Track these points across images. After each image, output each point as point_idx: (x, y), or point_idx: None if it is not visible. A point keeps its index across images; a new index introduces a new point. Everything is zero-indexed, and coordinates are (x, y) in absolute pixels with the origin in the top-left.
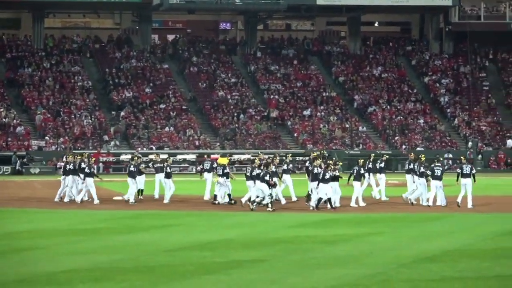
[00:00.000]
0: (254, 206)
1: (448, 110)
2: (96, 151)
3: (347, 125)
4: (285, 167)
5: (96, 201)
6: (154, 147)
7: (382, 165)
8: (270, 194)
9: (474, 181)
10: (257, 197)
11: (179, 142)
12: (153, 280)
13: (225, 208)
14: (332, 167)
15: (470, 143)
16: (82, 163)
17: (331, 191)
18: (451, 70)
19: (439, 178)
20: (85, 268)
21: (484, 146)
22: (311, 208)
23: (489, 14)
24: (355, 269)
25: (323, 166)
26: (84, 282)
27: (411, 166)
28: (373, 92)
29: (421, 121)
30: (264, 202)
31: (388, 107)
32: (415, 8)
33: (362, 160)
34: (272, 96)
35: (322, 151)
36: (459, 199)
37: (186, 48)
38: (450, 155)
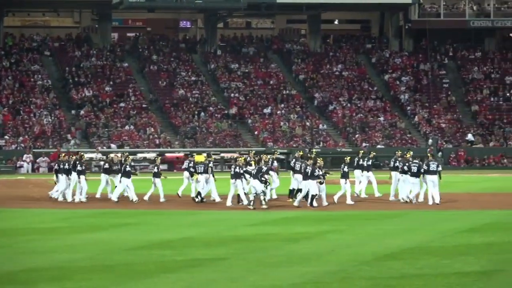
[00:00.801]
0: (252, 205)
1: (408, 108)
2: (56, 150)
3: (307, 123)
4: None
5: (83, 199)
6: (115, 146)
7: (370, 162)
8: (263, 191)
9: (440, 178)
10: (246, 193)
11: (139, 141)
12: (112, 279)
13: (188, 207)
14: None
15: (430, 141)
16: (77, 162)
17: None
18: (411, 67)
19: (433, 173)
20: (45, 267)
21: (444, 143)
22: (295, 204)
23: (448, 11)
24: (316, 266)
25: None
26: (43, 281)
27: (397, 163)
28: (333, 90)
29: (381, 118)
30: (253, 198)
31: (349, 105)
32: (375, 6)
33: (349, 158)
34: (232, 94)
35: (310, 150)
36: (417, 196)
37: (146, 46)
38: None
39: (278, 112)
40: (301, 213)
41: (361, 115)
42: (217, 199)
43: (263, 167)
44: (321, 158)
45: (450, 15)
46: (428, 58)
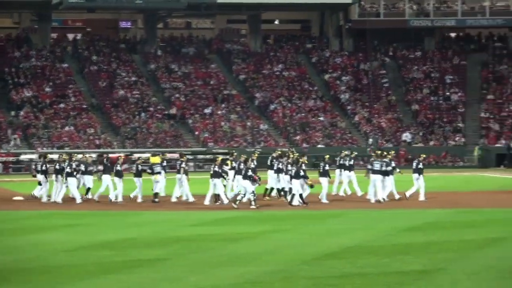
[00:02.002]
0: (236, 204)
1: (349, 107)
2: None
3: (248, 123)
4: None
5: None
6: (55, 147)
7: (352, 162)
8: (253, 191)
9: (393, 174)
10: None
11: (79, 142)
12: (52, 280)
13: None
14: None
15: (370, 140)
16: (73, 164)
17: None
18: (351, 67)
19: (377, 172)
20: None
21: (384, 142)
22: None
23: (388, 11)
24: (257, 266)
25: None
26: None
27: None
28: (273, 90)
29: (322, 118)
30: (245, 199)
31: (289, 104)
32: (315, 5)
33: (328, 156)
34: (172, 95)
35: (290, 149)
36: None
37: (86, 47)
38: (347, 152)
39: (219, 112)
40: (244, 213)
41: (302, 114)
42: (191, 199)
43: (251, 166)
44: (304, 158)
45: (390, 14)
46: (368, 58)
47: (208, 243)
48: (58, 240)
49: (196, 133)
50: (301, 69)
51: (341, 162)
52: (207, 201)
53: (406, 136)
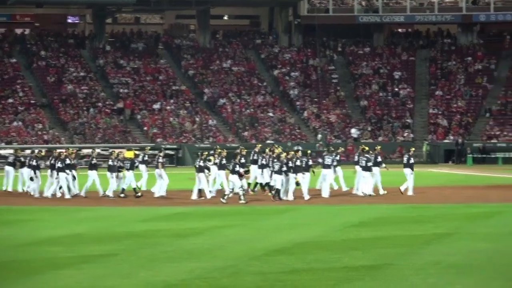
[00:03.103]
0: (225, 200)
1: (298, 103)
2: None
3: (197, 119)
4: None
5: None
6: (3, 142)
7: (338, 157)
8: (242, 186)
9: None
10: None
11: (27, 137)
12: (0, 276)
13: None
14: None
15: (319, 136)
16: (67, 159)
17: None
18: (300, 63)
19: (328, 167)
20: None
21: (333, 138)
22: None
23: (337, 7)
24: (206, 262)
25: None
26: None
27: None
28: (222, 86)
29: (271, 114)
30: (234, 192)
31: (238, 100)
32: (264, 1)
33: (310, 152)
34: (121, 90)
35: (273, 145)
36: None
37: (34, 42)
38: (300, 148)
39: (168, 107)
40: (194, 209)
41: (251, 110)
42: (163, 194)
43: (239, 162)
44: (285, 153)
45: (339, 10)
46: (317, 54)
47: (157, 239)
48: (8, 235)
49: (145, 128)
50: (250, 64)
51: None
52: (194, 196)
53: (355, 132)
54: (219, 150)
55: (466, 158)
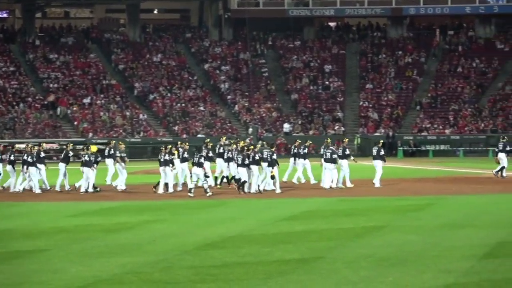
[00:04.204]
0: (192, 193)
1: (228, 97)
2: None
3: (127, 113)
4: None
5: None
6: None
7: (306, 150)
8: (205, 179)
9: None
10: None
11: None
12: None
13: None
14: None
15: (250, 129)
16: (41, 153)
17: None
18: (231, 57)
19: (265, 160)
20: None
21: (264, 132)
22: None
23: (267, 0)
24: (138, 256)
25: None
26: None
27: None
28: (153, 80)
29: (202, 108)
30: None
31: (169, 94)
32: None
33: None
34: (51, 85)
35: (237, 138)
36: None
37: None
38: (228, 141)
39: (98, 102)
40: (124, 203)
41: (182, 104)
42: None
43: (204, 155)
44: (252, 146)
45: (269, 4)
46: (247, 47)
47: (89, 234)
48: None
49: (75, 123)
50: (181, 58)
51: (295, 150)
52: (160, 190)
53: (286, 127)
54: (182, 144)
55: (397, 151)
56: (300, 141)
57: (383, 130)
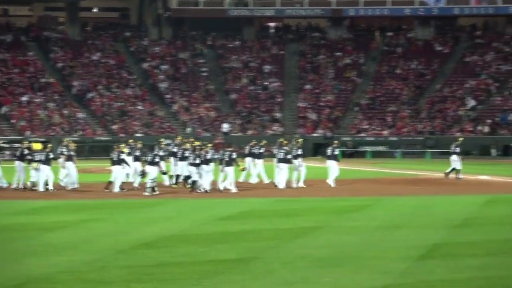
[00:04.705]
0: (148, 192)
1: (167, 96)
2: None
3: (65, 112)
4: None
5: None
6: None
7: (261, 150)
8: (153, 178)
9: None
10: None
11: None
12: None
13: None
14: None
15: (188, 129)
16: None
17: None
18: (170, 56)
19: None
20: None
21: (203, 131)
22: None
23: (208, 0)
24: (73, 256)
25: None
26: None
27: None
28: (92, 78)
29: (140, 107)
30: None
31: (107, 93)
32: None
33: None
34: None
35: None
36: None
37: None
38: (169, 141)
39: (36, 100)
40: (60, 202)
41: (120, 103)
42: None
43: (159, 154)
44: (206, 146)
45: (209, 3)
46: (187, 47)
47: (23, 233)
48: None
49: (13, 121)
50: (120, 57)
51: (251, 150)
52: (116, 188)
53: (225, 127)
54: (135, 142)
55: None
56: (255, 141)
57: (321, 131)
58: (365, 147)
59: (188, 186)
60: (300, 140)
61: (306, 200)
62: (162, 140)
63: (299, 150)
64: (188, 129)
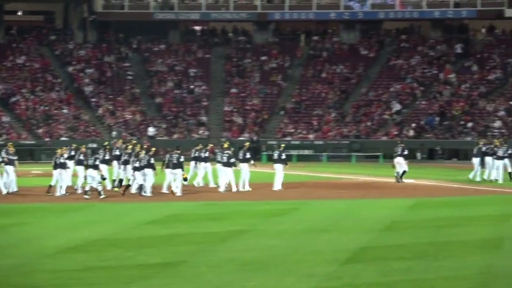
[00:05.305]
0: (89, 195)
1: (93, 100)
2: None
3: None
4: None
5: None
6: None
7: (207, 154)
8: (100, 182)
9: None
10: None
11: None
12: None
13: None
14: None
15: (114, 133)
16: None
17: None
18: (95, 59)
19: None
20: None
21: (128, 135)
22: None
23: (133, 4)
24: None
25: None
26: None
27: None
28: (16, 82)
29: (66, 110)
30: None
31: (32, 96)
32: None
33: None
34: None
35: (131, 140)
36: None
37: None
38: (95, 145)
39: None
40: None
41: (45, 107)
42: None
43: (100, 157)
44: (143, 151)
45: (135, 7)
46: (112, 50)
47: None
48: None
49: None
50: (45, 61)
51: (196, 154)
52: (58, 192)
53: (152, 130)
54: (77, 146)
55: (261, 155)
56: (201, 145)
57: (247, 135)
58: (291, 150)
59: (117, 189)
60: (247, 144)
61: (233, 204)
62: (106, 143)
63: (247, 153)
64: (114, 133)
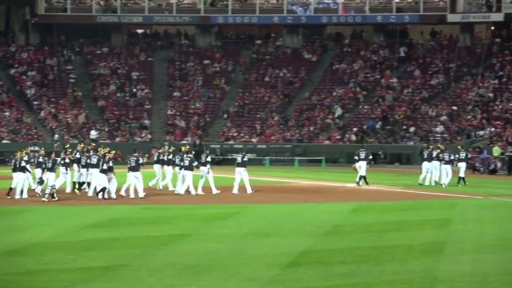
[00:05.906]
0: (46, 198)
1: (35, 103)
2: None
3: None
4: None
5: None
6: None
7: (171, 157)
8: (53, 185)
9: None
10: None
11: None
12: None
13: None
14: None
15: (56, 136)
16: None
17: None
18: (37, 62)
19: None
20: None
21: (70, 138)
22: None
23: (75, 6)
24: None
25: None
26: None
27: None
28: None
29: (7, 113)
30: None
31: None
32: None
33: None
34: None
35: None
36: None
37: None
38: (37, 148)
39: None
40: None
41: None
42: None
43: (57, 159)
44: (112, 153)
45: (77, 10)
46: (54, 53)
47: None
48: None
49: None
50: None
51: (161, 157)
52: (22, 195)
53: (94, 134)
54: (37, 149)
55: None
56: (164, 149)
57: (190, 138)
58: (233, 154)
59: (78, 191)
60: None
61: (175, 208)
62: (68, 146)
63: (208, 157)
64: (56, 136)
